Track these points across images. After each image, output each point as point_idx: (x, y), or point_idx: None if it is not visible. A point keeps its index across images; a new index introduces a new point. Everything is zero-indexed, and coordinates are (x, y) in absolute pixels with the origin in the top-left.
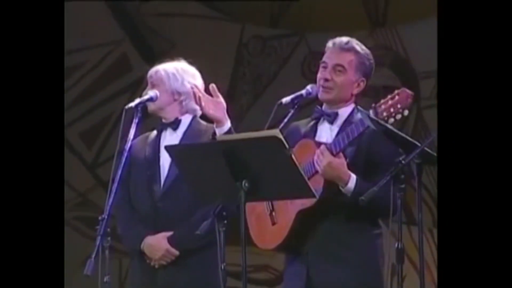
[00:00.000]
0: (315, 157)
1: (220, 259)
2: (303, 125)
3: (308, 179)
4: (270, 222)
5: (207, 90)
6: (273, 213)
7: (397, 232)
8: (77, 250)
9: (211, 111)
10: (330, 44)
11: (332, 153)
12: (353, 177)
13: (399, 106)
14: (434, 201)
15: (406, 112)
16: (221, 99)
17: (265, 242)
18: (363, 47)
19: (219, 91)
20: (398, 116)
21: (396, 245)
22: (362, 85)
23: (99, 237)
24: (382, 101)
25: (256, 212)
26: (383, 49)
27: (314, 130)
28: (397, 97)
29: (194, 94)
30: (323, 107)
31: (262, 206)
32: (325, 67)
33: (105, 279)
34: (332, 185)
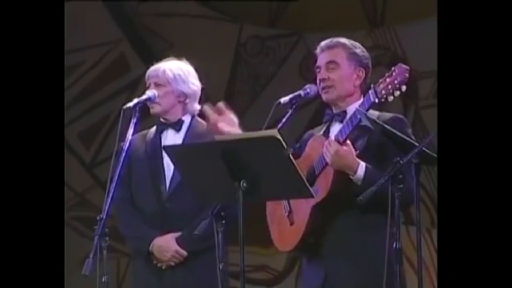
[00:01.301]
0: (324, 149)
1: (219, 259)
2: (317, 131)
3: (320, 172)
4: (288, 223)
5: (204, 91)
6: (291, 214)
7: (395, 232)
8: (75, 250)
9: (226, 129)
10: (318, 49)
11: (339, 142)
12: (362, 164)
13: (396, 82)
14: (432, 201)
15: (403, 88)
16: (232, 115)
17: (286, 244)
18: (350, 40)
19: (218, 91)
20: (397, 93)
21: (395, 245)
22: (362, 74)
23: (97, 237)
24: (380, 80)
25: (277, 216)
26: (382, 49)
27: (327, 132)
28: (394, 73)
29: (206, 115)
30: (333, 109)
31: (280, 211)
32: (319, 70)
33: (103, 279)
34: (342, 176)
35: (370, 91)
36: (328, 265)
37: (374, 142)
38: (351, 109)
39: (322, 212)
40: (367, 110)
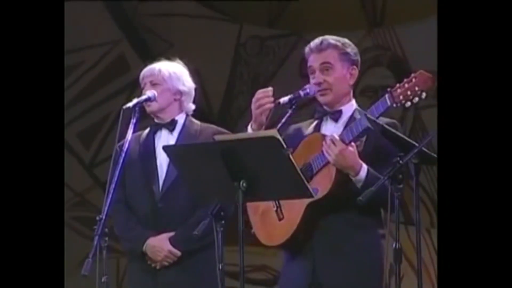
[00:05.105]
0: (325, 147)
1: (218, 259)
2: (306, 126)
3: (319, 170)
4: (276, 218)
5: (200, 90)
6: (279, 209)
7: (395, 232)
8: (75, 250)
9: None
10: (307, 50)
11: (344, 142)
12: (364, 166)
13: (417, 88)
14: (431, 201)
15: (424, 95)
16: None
17: (272, 238)
18: (338, 38)
19: (218, 91)
20: (416, 100)
21: (394, 245)
22: (355, 72)
23: (96, 237)
24: (397, 85)
25: (260, 210)
26: (381, 49)
27: (317, 129)
28: (414, 80)
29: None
30: (325, 106)
31: (267, 203)
32: (313, 72)
33: (102, 279)
34: (343, 176)
35: (387, 95)
36: (318, 264)
37: (371, 144)
38: (346, 108)
39: (319, 210)
40: (381, 114)
